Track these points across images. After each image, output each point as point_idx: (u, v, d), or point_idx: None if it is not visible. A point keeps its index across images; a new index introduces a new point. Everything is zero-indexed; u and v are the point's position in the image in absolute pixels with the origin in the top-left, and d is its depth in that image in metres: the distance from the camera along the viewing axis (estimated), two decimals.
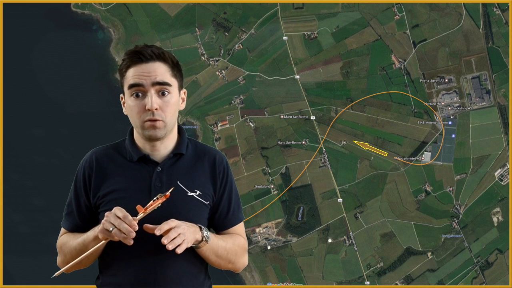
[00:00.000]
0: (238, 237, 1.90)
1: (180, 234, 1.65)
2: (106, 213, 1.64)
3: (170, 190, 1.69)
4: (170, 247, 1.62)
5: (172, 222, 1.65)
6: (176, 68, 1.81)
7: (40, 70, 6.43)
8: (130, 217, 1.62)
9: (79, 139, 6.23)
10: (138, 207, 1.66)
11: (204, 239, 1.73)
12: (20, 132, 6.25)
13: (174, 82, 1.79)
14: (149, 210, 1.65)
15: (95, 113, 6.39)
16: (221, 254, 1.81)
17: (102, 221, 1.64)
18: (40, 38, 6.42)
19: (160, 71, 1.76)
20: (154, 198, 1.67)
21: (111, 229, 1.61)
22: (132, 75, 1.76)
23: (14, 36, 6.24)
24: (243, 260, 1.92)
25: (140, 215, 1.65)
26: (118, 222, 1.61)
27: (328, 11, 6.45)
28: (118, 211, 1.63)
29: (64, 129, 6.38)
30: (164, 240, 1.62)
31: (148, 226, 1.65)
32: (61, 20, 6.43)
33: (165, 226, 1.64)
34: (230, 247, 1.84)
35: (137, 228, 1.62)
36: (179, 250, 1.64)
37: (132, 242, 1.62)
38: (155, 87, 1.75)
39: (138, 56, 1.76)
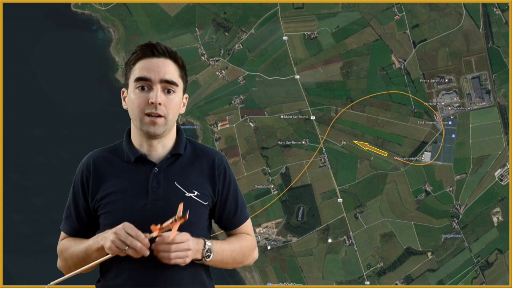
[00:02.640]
0: (246, 237, 1.90)
1: (185, 251, 1.66)
2: (115, 231, 1.63)
3: (187, 213, 1.67)
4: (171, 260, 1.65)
5: (185, 236, 1.67)
6: (184, 71, 1.81)
7: (40, 70, 6.43)
8: (142, 235, 1.62)
9: (79, 139, 6.22)
10: (153, 226, 1.65)
11: (203, 259, 1.73)
12: (20, 132, 6.25)
13: (180, 83, 1.79)
14: (164, 231, 1.64)
15: (95, 113, 6.39)
16: (227, 262, 1.82)
17: (111, 238, 1.63)
18: (40, 38, 6.41)
19: (170, 69, 1.75)
20: (171, 220, 1.65)
21: (124, 248, 1.61)
22: (141, 67, 1.74)
23: (14, 36, 6.23)
24: (253, 256, 1.93)
25: (152, 235, 1.64)
26: (130, 240, 1.61)
27: (328, 11, 6.45)
28: (129, 228, 1.62)
29: (64, 129, 6.38)
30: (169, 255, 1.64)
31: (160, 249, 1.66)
32: (61, 20, 6.43)
33: (178, 237, 1.66)
34: (238, 251, 1.84)
35: (148, 246, 1.63)
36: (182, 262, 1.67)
37: (140, 255, 1.63)
38: (162, 84, 1.73)
39: (151, 49, 1.74)
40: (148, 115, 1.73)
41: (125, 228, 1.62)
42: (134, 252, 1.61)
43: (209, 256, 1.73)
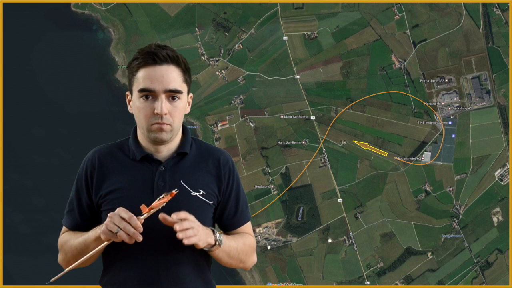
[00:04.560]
0: (248, 236, 1.90)
1: (194, 228, 1.63)
2: (110, 214, 1.62)
3: (176, 191, 1.67)
4: (180, 235, 1.60)
5: (191, 216, 1.65)
6: (187, 73, 1.81)
7: (40, 70, 6.43)
8: (135, 218, 1.60)
9: (79, 139, 6.22)
10: (143, 206, 1.64)
11: (217, 243, 1.72)
12: (20, 132, 6.24)
13: (184, 88, 1.79)
14: (153, 209, 1.64)
15: (95, 113, 6.39)
16: (233, 255, 1.81)
17: (105, 222, 1.62)
18: (40, 38, 6.41)
19: (173, 76, 1.74)
20: (159, 198, 1.66)
21: (116, 231, 1.59)
22: (143, 77, 1.73)
23: (14, 36, 6.23)
24: (253, 259, 1.93)
25: (145, 215, 1.63)
26: (123, 224, 1.59)
27: (328, 11, 6.45)
28: (123, 212, 1.61)
29: (64, 129, 6.38)
30: (177, 226, 1.60)
31: (165, 216, 1.63)
32: (61, 20, 6.43)
33: (182, 214, 1.63)
34: (242, 247, 1.84)
35: (141, 230, 1.60)
36: (187, 242, 1.61)
37: (134, 241, 1.61)
38: (167, 94, 1.73)
39: (152, 57, 1.72)
40: (155, 123, 1.73)
41: (119, 212, 1.61)
42: (127, 236, 1.59)
43: (221, 241, 1.73)
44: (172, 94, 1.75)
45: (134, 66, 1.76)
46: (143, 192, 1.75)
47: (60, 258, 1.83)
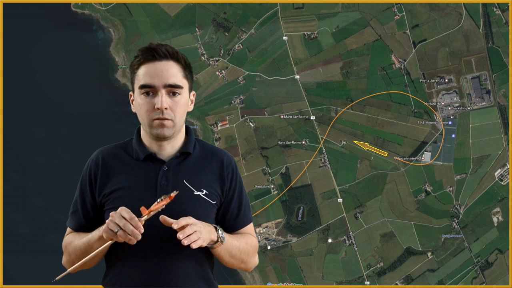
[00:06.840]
0: (250, 236, 1.90)
1: (196, 232, 1.64)
2: (111, 213, 1.63)
3: (175, 193, 1.67)
4: (185, 242, 1.61)
5: (190, 219, 1.66)
6: (188, 69, 1.81)
7: (40, 70, 6.43)
8: (136, 218, 1.61)
9: (79, 139, 6.23)
10: (142, 208, 1.64)
11: (219, 239, 1.73)
12: (20, 132, 6.25)
13: (185, 83, 1.79)
14: (153, 212, 1.65)
15: (95, 113, 6.39)
16: (235, 254, 1.81)
17: (107, 221, 1.63)
18: (40, 38, 6.41)
19: (173, 71, 1.75)
20: (158, 200, 1.66)
21: (116, 230, 1.60)
22: (144, 73, 1.74)
23: (14, 36, 6.24)
24: (255, 260, 1.93)
25: (144, 217, 1.64)
26: (123, 223, 1.60)
27: (328, 11, 6.45)
28: (124, 211, 1.62)
29: (64, 129, 6.38)
30: (180, 235, 1.61)
31: (165, 218, 1.64)
32: (61, 20, 6.43)
33: (182, 221, 1.64)
34: (244, 247, 1.84)
35: (142, 230, 1.61)
36: (194, 246, 1.63)
37: (135, 241, 1.62)
38: (167, 89, 1.74)
39: (152, 53, 1.74)
40: (156, 119, 1.74)
41: (121, 211, 1.62)
42: (126, 236, 1.60)
43: (224, 238, 1.74)
44: (172, 90, 1.75)
45: (134, 64, 1.78)
46: (146, 191, 1.75)
47: (64, 259, 1.84)
